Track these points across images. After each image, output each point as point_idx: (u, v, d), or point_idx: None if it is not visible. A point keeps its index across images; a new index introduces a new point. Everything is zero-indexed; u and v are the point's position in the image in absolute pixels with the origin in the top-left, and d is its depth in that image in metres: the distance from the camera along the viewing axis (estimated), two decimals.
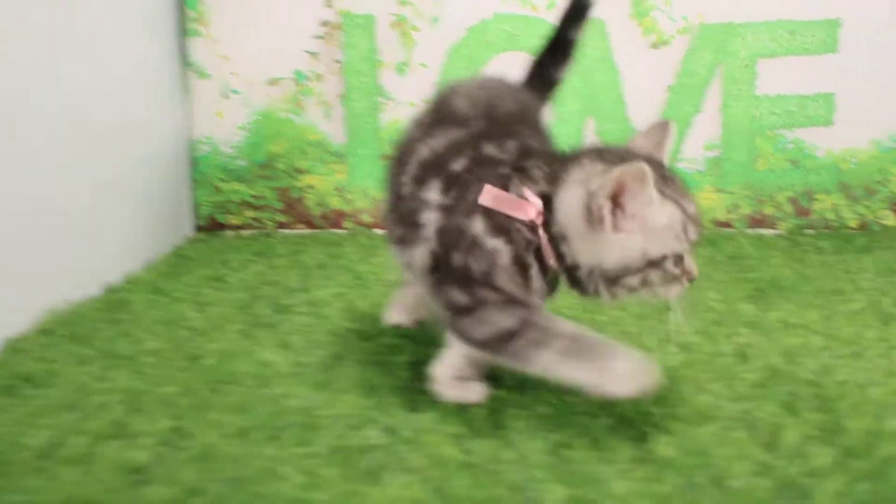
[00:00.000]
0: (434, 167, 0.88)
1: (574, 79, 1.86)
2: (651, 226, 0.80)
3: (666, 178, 0.83)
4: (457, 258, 0.84)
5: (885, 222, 1.93)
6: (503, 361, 0.86)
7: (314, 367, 1.07)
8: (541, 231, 0.83)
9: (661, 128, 0.90)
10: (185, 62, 1.87)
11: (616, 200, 0.79)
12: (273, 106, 1.89)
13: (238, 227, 1.95)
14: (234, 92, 1.88)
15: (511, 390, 0.97)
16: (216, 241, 1.87)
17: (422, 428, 0.88)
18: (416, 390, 0.97)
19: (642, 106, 1.87)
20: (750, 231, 1.92)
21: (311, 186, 1.93)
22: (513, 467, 0.80)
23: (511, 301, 0.83)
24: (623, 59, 1.86)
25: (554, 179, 0.83)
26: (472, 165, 0.86)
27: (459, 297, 0.84)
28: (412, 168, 0.91)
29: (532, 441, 0.86)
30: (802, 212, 1.94)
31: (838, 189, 1.92)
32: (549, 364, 0.82)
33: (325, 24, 1.87)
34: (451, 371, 0.94)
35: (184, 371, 1.06)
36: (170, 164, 1.84)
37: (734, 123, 1.88)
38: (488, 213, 0.83)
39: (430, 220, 0.86)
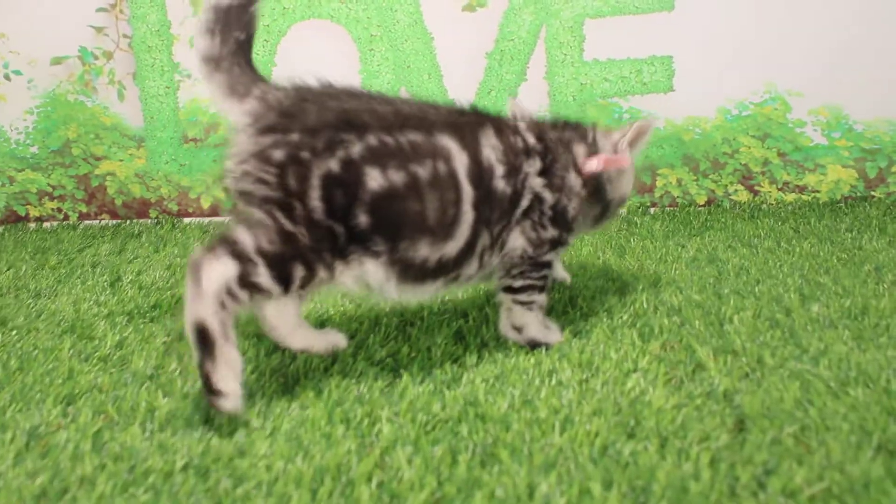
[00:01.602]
0: (517, 152, 1.02)
1: (384, 48, 1.68)
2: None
3: None
4: (562, 200, 1.06)
5: (735, 198, 1.75)
6: (522, 287, 1.07)
7: None
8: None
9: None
10: None
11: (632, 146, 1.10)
12: (61, 88, 1.73)
13: (41, 219, 1.81)
14: (16, 73, 1.73)
15: None
16: (12, 236, 1.73)
17: None
18: (44, 434, 0.85)
19: (459, 74, 1.68)
20: None
21: (110, 174, 1.78)
22: None
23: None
24: (435, 24, 1.67)
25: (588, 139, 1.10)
26: (541, 135, 1.05)
27: (553, 233, 1.06)
28: (497, 166, 1.00)
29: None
30: (645, 188, 1.77)
31: (683, 163, 1.74)
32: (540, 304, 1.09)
33: None
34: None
35: None
36: None
37: (561, 92, 1.69)
38: (578, 170, 1.06)
39: (535, 183, 1.03)
